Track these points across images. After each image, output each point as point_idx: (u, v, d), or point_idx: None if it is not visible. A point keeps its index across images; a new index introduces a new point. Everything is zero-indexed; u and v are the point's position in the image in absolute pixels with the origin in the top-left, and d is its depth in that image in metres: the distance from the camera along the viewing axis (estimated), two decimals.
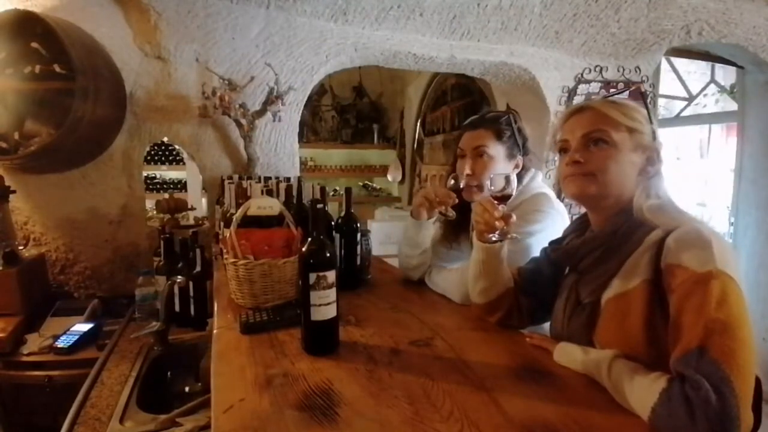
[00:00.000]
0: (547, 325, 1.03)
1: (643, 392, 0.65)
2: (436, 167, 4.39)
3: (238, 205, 1.36)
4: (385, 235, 3.42)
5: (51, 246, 2.14)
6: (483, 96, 3.66)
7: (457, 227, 1.34)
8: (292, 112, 2.37)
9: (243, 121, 2.15)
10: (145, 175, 3.51)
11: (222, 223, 1.56)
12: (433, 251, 1.35)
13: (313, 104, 4.96)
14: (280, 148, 2.39)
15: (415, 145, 5.01)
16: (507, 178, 0.97)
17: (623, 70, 2.84)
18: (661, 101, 3.47)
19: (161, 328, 1.54)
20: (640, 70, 2.86)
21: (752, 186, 3.01)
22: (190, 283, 1.61)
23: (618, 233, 0.83)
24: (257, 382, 0.75)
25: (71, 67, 1.70)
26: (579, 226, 0.97)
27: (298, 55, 2.33)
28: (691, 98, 3.54)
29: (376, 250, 1.55)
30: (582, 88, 2.82)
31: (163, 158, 4.02)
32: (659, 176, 0.84)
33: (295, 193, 1.43)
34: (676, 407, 0.60)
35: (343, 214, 1.30)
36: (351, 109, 5.26)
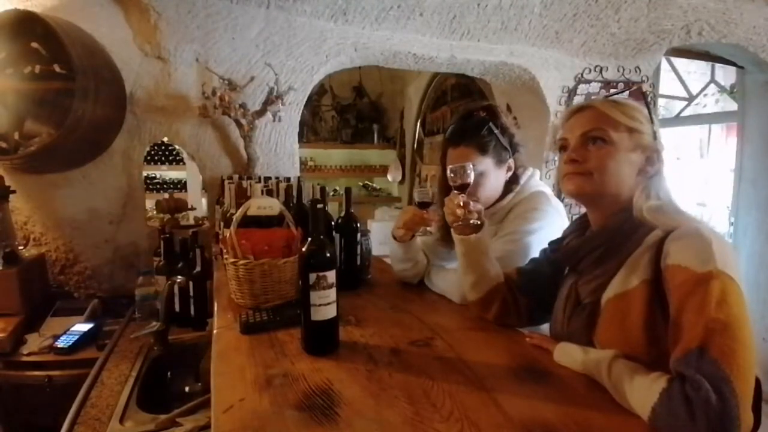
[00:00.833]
0: (546, 326, 1.03)
1: (643, 392, 0.65)
2: (436, 167, 4.38)
3: (238, 205, 1.36)
4: (385, 235, 3.40)
5: (51, 246, 2.14)
6: (483, 96, 3.66)
7: None
8: (292, 112, 2.37)
9: (243, 121, 2.15)
10: (145, 175, 3.50)
11: (222, 223, 1.56)
12: (432, 251, 1.35)
13: (313, 104, 4.96)
14: (280, 148, 2.39)
15: (415, 145, 5.01)
16: (463, 168, 1.02)
17: (623, 70, 2.84)
18: (661, 101, 3.47)
19: (161, 328, 1.54)
20: (640, 70, 2.86)
21: (752, 186, 3.01)
22: (190, 283, 1.61)
23: (618, 233, 0.83)
24: (257, 382, 0.75)
25: (71, 67, 1.70)
26: (579, 226, 0.97)
27: (298, 55, 2.33)
28: (691, 98, 3.54)
29: (376, 250, 1.55)
30: (582, 88, 2.82)
31: (163, 158, 4.01)
32: (660, 177, 0.83)
33: (295, 193, 1.44)
34: (676, 407, 0.60)
35: (343, 214, 1.30)
36: (351, 109, 5.25)
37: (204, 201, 2.59)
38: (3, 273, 1.77)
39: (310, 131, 5.04)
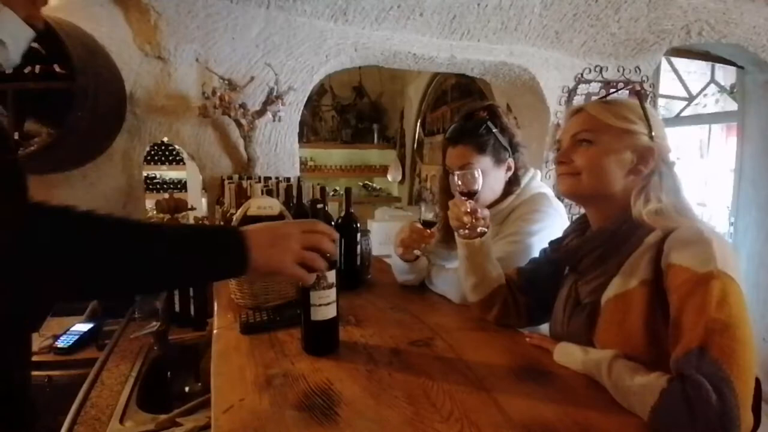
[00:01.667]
0: (546, 326, 1.03)
1: (643, 392, 0.65)
2: (436, 167, 4.39)
3: (238, 205, 1.36)
4: (385, 235, 3.41)
5: None
6: (483, 96, 3.67)
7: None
8: (292, 112, 2.37)
9: (243, 121, 2.15)
10: (145, 175, 3.51)
11: (222, 223, 1.56)
12: (432, 251, 1.35)
13: (313, 104, 4.96)
14: (280, 148, 2.39)
15: (415, 145, 5.01)
16: (471, 174, 1.01)
17: (623, 70, 2.84)
18: (661, 101, 3.47)
19: (161, 328, 1.54)
20: (640, 70, 2.86)
21: (752, 186, 3.01)
22: None
23: (617, 233, 0.83)
24: (257, 382, 0.75)
25: (71, 67, 1.70)
26: (579, 226, 0.97)
27: (298, 55, 2.33)
28: (691, 98, 3.54)
29: (376, 250, 1.55)
30: (582, 88, 2.82)
31: (163, 158, 4.02)
32: (661, 177, 0.82)
33: (295, 193, 1.43)
34: (676, 407, 0.60)
35: (343, 214, 1.30)
36: (351, 109, 5.26)
37: (204, 201, 2.60)
38: None
39: (310, 131, 5.05)
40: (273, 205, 1.18)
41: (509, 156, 1.26)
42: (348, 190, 1.29)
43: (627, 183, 0.84)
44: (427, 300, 1.23)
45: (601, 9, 2.39)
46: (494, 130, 1.23)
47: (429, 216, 1.20)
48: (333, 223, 1.30)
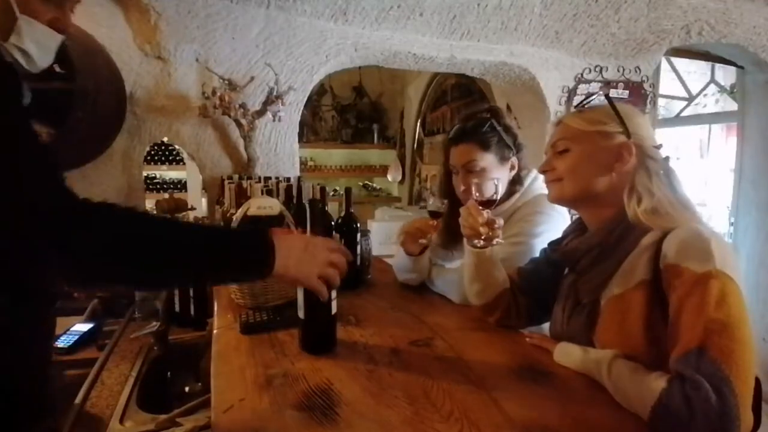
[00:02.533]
0: (546, 325, 1.03)
1: (643, 392, 0.65)
2: (436, 167, 4.38)
3: (238, 205, 1.36)
4: (385, 235, 3.42)
5: None
6: (483, 96, 3.67)
7: (456, 230, 1.34)
8: (292, 112, 2.37)
9: (243, 121, 2.15)
10: (145, 175, 3.50)
11: (222, 223, 1.56)
12: (432, 252, 1.35)
13: (313, 104, 4.96)
14: (280, 148, 2.39)
15: (415, 145, 5.01)
16: (490, 183, 0.99)
17: (623, 70, 2.84)
18: (661, 101, 3.47)
19: (161, 328, 1.54)
20: (640, 70, 2.86)
21: (752, 186, 3.01)
22: None
23: (614, 233, 0.83)
24: (257, 382, 0.75)
25: (71, 67, 1.70)
26: (578, 226, 0.97)
27: (298, 55, 2.33)
28: (691, 98, 3.54)
29: (376, 250, 1.55)
30: (582, 88, 2.82)
31: (163, 158, 4.01)
32: (648, 172, 0.82)
33: (295, 193, 1.43)
34: (676, 407, 0.60)
35: (343, 214, 1.30)
36: (351, 109, 5.26)
37: (204, 201, 2.59)
38: None
39: (310, 131, 5.05)
40: (273, 205, 1.18)
41: (513, 154, 1.26)
42: (348, 190, 1.29)
43: (612, 182, 0.84)
44: (427, 300, 1.23)
45: (601, 9, 2.39)
46: (498, 128, 1.23)
47: (436, 206, 1.20)
48: (333, 223, 1.30)
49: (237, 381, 0.76)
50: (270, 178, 2.01)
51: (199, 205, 3.00)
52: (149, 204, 2.63)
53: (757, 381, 0.67)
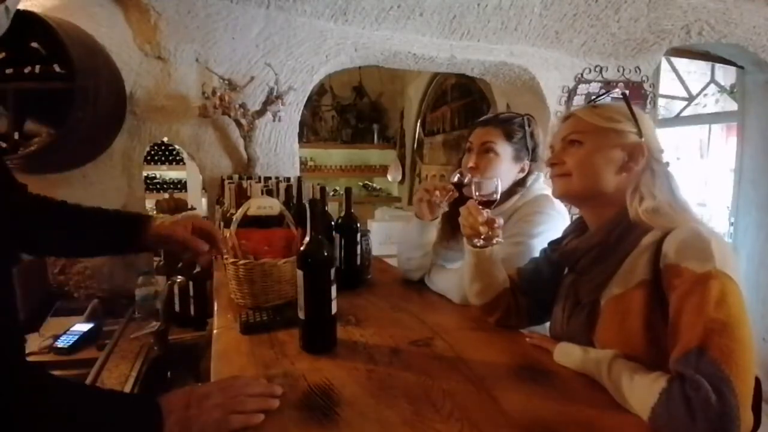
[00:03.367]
0: (546, 325, 1.03)
1: (643, 392, 0.65)
2: (436, 167, 4.39)
3: (238, 205, 1.36)
4: (385, 235, 3.42)
5: None
6: (483, 96, 3.67)
7: (455, 227, 1.34)
8: (292, 112, 2.37)
9: (243, 121, 2.15)
10: (145, 175, 3.51)
11: (222, 223, 1.56)
12: (432, 251, 1.35)
13: (313, 104, 4.96)
14: (280, 148, 2.39)
15: (415, 145, 5.01)
16: (490, 182, 0.99)
17: (623, 70, 2.84)
18: (661, 101, 3.47)
19: (161, 328, 1.54)
20: (640, 70, 2.86)
21: (752, 186, 3.01)
22: (190, 283, 1.62)
23: (614, 233, 0.83)
24: None
25: (71, 67, 1.70)
26: (578, 226, 0.97)
27: (298, 55, 2.33)
28: (691, 98, 3.54)
29: (376, 250, 1.55)
30: (582, 88, 2.82)
31: (163, 158, 4.02)
32: (653, 174, 0.83)
33: (295, 193, 1.43)
34: (676, 407, 0.60)
35: (343, 214, 1.30)
36: (351, 109, 5.26)
37: (204, 201, 2.59)
38: None
39: (310, 131, 5.05)
40: (273, 205, 1.18)
41: (528, 159, 1.29)
42: (348, 190, 1.29)
43: (619, 182, 0.84)
44: (427, 300, 1.23)
45: (601, 9, 2.39)
46: (527, 128, 1.28)
47: (462, 180, 1.19)
48: (333, 223, 1.30)
49: None
50: (270, 178, 2.01)
51: (199, 205, 3.00)
52: (149, 204, 2.63)
53: (757, 381, 0.67)
